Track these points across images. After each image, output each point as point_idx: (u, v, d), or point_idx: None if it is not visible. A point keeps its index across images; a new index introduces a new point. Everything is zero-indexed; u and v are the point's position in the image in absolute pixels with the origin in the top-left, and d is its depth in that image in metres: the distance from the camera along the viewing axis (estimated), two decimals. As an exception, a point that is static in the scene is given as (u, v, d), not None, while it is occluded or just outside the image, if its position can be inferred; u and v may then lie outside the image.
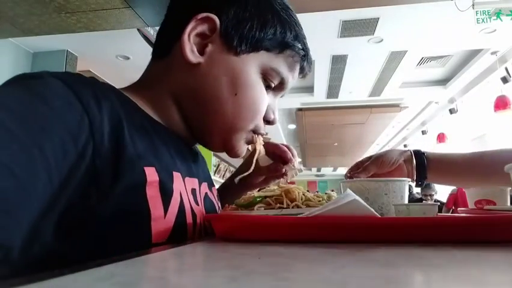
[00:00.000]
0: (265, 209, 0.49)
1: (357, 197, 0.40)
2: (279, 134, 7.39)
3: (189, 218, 0.48)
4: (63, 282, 0.19)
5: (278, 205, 0.49)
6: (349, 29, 3.42)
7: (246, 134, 0.54)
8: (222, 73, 0.50)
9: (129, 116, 0.43)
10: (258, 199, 0.50)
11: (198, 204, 0.52)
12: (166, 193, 0.44)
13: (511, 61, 4.10)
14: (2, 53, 3.40)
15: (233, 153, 0.55)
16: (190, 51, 0.49)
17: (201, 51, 0.50)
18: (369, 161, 0.81)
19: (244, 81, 0.50)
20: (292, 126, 7.55)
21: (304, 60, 0.56)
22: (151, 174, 0.43)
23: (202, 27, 0.49)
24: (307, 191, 0.52)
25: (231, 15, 0.50)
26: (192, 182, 0.53)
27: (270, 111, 0.55)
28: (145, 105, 0.50)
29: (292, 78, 0.56)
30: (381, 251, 0.32)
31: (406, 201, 0.61)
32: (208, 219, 0.46)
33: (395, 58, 4.14)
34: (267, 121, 0.56)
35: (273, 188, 0.53)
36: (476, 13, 2.83)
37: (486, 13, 2.84)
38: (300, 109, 6.05)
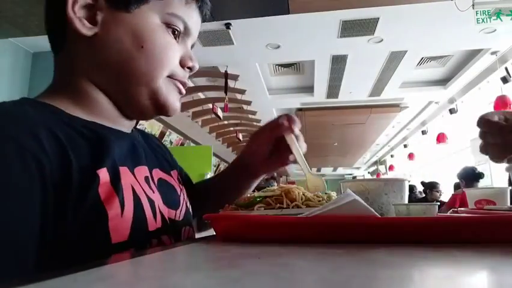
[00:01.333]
0: (265, 209, 0.49)
1: (357, 197, 0.40)
2: (279, 134, 7.38)
3: (148, 210, 0.49)
4: (63, 282, 0.19)
5: (278, 205, 0.49)
6: (349, 29, 3.42)
7: (166, 82, 0.53)
8: (121, 34, 0.49)
9: (63, 128, 0.43)
10: (258, 199, 0.50)
11: (154, 192, 0.52)
12: (118, 191, 0.45)
13: (511, 61, 4.10)
14: (2, 53, 3.40)
15: (166, 109, 0.54)
16: (81, 25, 0.47)
17: (93, 22, 0.48)
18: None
19: (146, 33, 0.49)
20: (292, 126, 7.54)
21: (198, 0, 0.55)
22: (103, 176, 0.44)
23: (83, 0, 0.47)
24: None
25: None
26: (143, 171, 0.53)
27: (187, 59, 0.55)
28: (72, 107, 0.48)
29: (195, 21, 0.55)
30: (381, 251, 0.32)
31: (406, 201, 0.61)
32: (208, 219, 0.46)
33: (395, 58, 4.14)
34: (188, 68, 0.55)
35: (273, 188, 0.53)
36: (476, 13, 2.83)
37: (486, 13, 2.84)
38: (300, 109, 6.05)
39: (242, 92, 4.95)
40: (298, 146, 0.63)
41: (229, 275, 0.22)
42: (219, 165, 8.23)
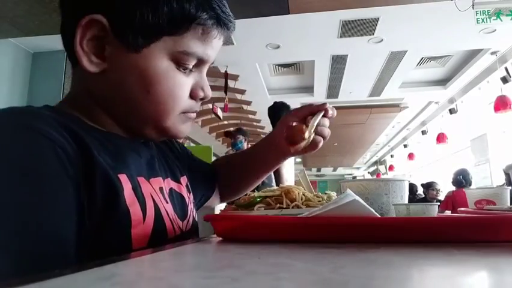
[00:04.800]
0: (265, 209, 0.49)
1: (357, 197, 0.40)
2: (279, 134, 7.38)
3: (166, 218, 0.50)
4: (63, 282, 0.19)
5: (278, 205, 0.49)
6: (349, 29, 3.42)
7: (177, 118, 0.50)
8: (127, 74, 0.46)
9: (83, 131, 0.44)
10: (258, 199, 0.50)
11: (167, 202, 0.53)
12: (139, 198, 0.45)
13: (511, 61, 4.10)
14: (2, 53, 3.40)
15: (176, 138, 0.55)
16: (88, 62, 0.45)
17: (102, 57, 0.45)
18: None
19: (153, 77, 0.46)
20: (292, 126, 7.53)
21: (218, 26, 0.48)
22: (125, 181, 0.44)
23: (92, 32, 0.44)
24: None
25: (116, 9, 0.44)
26: (158, 182, 0.53)
27: (198, 89, 0.51)
28: (86, 118, 0.48)
29: (213, 49, 0.50)
30: (381, 251, 0.32)
31: (406, 201, 0.61)
32: (208, 219, 0.46)
33: (395, 58, 4.14)
34: (200, 98, 0.52)
35: (273, 188, 0.53)
36: (476, 13, 2.83)
37: (486, 13, 2.84)
38: (300, 109, 6.03)
39: (242, 92, 4.94)
40: (313, 129, 0.58)
41: (229, 275, 0.22)
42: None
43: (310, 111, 0.60)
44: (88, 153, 0.41)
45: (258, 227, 0.41)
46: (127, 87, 0.46)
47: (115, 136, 0.49)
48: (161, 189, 0.53)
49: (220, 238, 0.45)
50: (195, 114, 0.53)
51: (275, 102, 2.66)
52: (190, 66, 0.48)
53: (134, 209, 0.44)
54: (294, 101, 5.62)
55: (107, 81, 0.47)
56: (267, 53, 3.92)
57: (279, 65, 4.57)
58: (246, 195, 0.58)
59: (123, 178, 0.44)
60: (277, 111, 2.57)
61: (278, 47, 3.78)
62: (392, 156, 10.10)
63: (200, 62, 0.50)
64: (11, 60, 3.51)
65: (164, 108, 0.48)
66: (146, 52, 0.45)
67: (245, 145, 3.16)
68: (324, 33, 3.51)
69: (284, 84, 5.17)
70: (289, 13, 2.88)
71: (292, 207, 0.48)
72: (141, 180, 0.48)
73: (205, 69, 0.52)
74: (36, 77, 3.67)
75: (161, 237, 0.48)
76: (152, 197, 0.48)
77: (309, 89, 5.17)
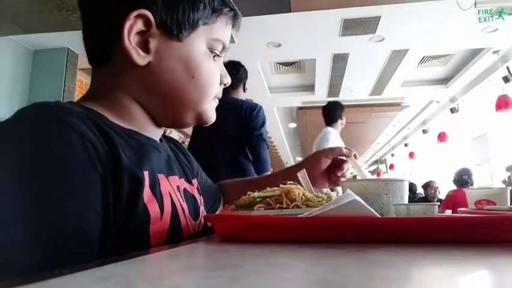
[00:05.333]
0: (265, 209, 0.49)
1: (357, 197, 0.40)
2: (280, 132, 7.38)
3: (182, 216, 0.51)
4: (63, 282, 0.19)
5: (278, 205, 0.49)
6: (350, 27, 3.41)
7: (211, 103, 0.56)
8: (173, 64, 0.50)
9: (108, 127, 0.45)
10: (258, 199, 0.50)
11: (184, 201, 0.55)
12: (157, 196, 0.47)
13: (512, 60, 4.09)
14: (3, 50, 3.40)
15: (206, 123, 0.58)
16: (137, 55, 0.48)
17: (146, 49, 0.49)
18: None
19: (196, 63, 0.51)
20: (293, 125, 7.54)
21: (235, 19, 0.57)
22: (146, 178, 0.46)
23: (138, 26, 0.47)
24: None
25: (160, 4, 0.48)
26: (175, 180, 0.55)
27: (223, 77, 0.57)
28: (109, 114, 0.49)
29: (229, 37, 0.58)
30: (381, 251, 0.32)
31: (406, 201, 0.61)
32: (208, 219, 0.47)
33: (396, 57, 4.13)
34: (224, 84, 0.59)
35: (273, 188, 0.53)
36: (478, 12, 2.82)
37: (488, 12, 2.83)
38: (300, 108, 6.04)
39: (243, 90, 4.94)
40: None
41: (229, 275, 0.22)
42: (219, 163, 8.21)
43: (341, 153, 0.78)
44: (115, 150, 0.42)
45: (258, 227, 0.41)
46: (174, 75, 0.50)
47: (137, 133, 0.51)
48: (178, 187, 0.55)
49: (220, 238, 0.45)
50: (217, 101, 0.59)
51: (329, 102, 3.08)
52: (218, 52, 0.55)
53: (152, 206, 0.45)
54: (295, 100, 5.63)
55: (151, 73, 0.50)
56: (268, 51, 3.91)
57: (280, 64, 4.56)
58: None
59: (146, 175, 0.46)
60: (332, 109, 2.85)
61: (279, 45, 3.77)
62: (392, 155, 10.10)
63: (222, 51, 0.56)
64: (12, 57, 3.51)
65: (205, 92, 0.53)
66: (188, 41, 0.51)
67: None
68: (326, 32, 3.50)
69: (285, 82, 5.17)
70: (290, 11, 2.88)
71: (292, 207, 0.48)
72: (161, 177, 0.50)
73: (222, 57, 0.58)
74: (37, 75, 3.67)
75: (176, 235, 0.49)
76: (170, 194, 0.50)
77: (310, 88, 5.16)
